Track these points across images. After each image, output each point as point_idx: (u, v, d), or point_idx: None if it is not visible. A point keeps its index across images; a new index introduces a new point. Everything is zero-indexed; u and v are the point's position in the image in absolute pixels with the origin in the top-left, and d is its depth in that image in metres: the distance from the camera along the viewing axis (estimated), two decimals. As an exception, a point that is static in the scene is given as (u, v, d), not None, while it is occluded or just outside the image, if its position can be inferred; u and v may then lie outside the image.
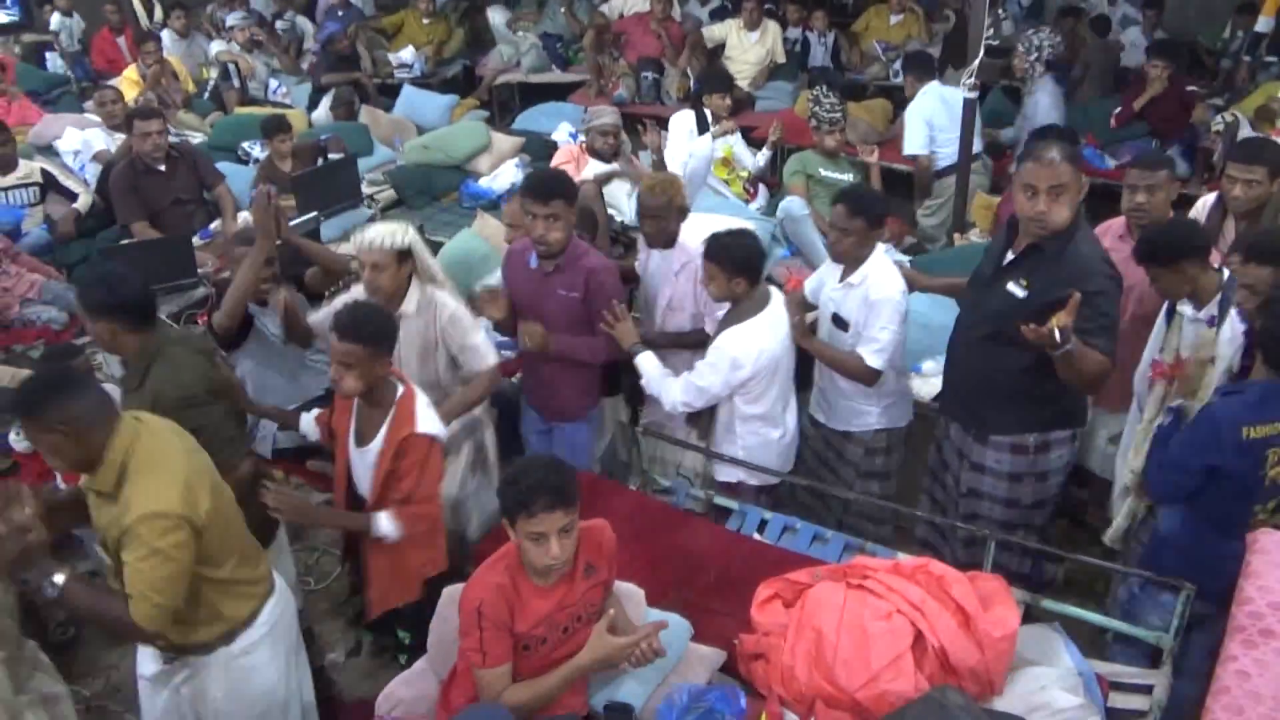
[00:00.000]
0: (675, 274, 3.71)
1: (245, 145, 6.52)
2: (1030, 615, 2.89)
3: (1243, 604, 1.96)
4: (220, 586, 2.42)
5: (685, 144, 5.27)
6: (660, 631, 2.37)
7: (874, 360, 3.36)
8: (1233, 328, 2.98)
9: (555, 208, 3.26)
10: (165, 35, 8.24)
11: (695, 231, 4.27)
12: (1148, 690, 2.62)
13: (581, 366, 3.58)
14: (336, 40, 7.83)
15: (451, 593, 2.63)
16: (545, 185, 3.31)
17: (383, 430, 2.83)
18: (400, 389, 2.89)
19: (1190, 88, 6.76)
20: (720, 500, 3.54)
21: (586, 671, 2.41)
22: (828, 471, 3.82)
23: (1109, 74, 7.51)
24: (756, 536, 3.34)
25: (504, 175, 6.11)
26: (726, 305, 3.39)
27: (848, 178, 5.09)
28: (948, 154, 5.52)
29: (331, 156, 5.93)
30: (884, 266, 3.45)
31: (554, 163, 5.20)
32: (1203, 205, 3.94)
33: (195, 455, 2.44)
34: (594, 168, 4.95)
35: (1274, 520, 2.61)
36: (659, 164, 5.18)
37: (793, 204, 4.90)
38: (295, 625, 2.74)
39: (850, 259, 3.45)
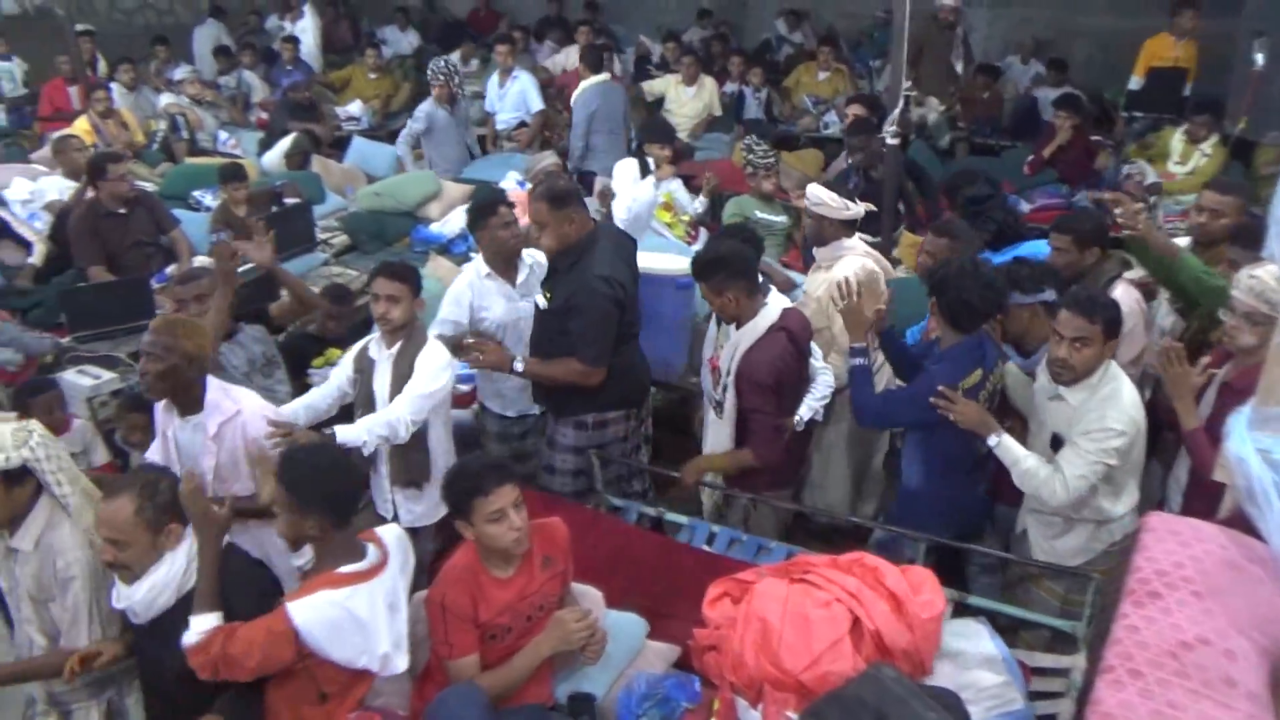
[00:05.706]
0: (211, 438, 2.98)
1: (196, 194, 6.62)
2: (958, 613, 3.15)
3: (1133, 573, 2.22)
4: None
5: (630, 189, 5.55)
6: (618, 626, 2.57)
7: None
8: None
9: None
10: (114, 88, 8.35)
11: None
12: (1065, 673, 2.88)
13: None
14: (299, 89, 8.01)
15: (420, 597, 2.78)
16: None
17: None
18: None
19: (1095, 137, 7.28)
20: (671, 516, 3.75)
21: (547, 653, 2.58)
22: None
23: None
24: (705, 548, 3.55)
25: (454, 221, 6.31)
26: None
27: (782, 220, 5.43)
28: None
29: (287, 202, 6.08)
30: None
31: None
32: None
33: None
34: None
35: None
36: (605, 213, 5.44)
37: (732, 244, 5.20)
38: None
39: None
